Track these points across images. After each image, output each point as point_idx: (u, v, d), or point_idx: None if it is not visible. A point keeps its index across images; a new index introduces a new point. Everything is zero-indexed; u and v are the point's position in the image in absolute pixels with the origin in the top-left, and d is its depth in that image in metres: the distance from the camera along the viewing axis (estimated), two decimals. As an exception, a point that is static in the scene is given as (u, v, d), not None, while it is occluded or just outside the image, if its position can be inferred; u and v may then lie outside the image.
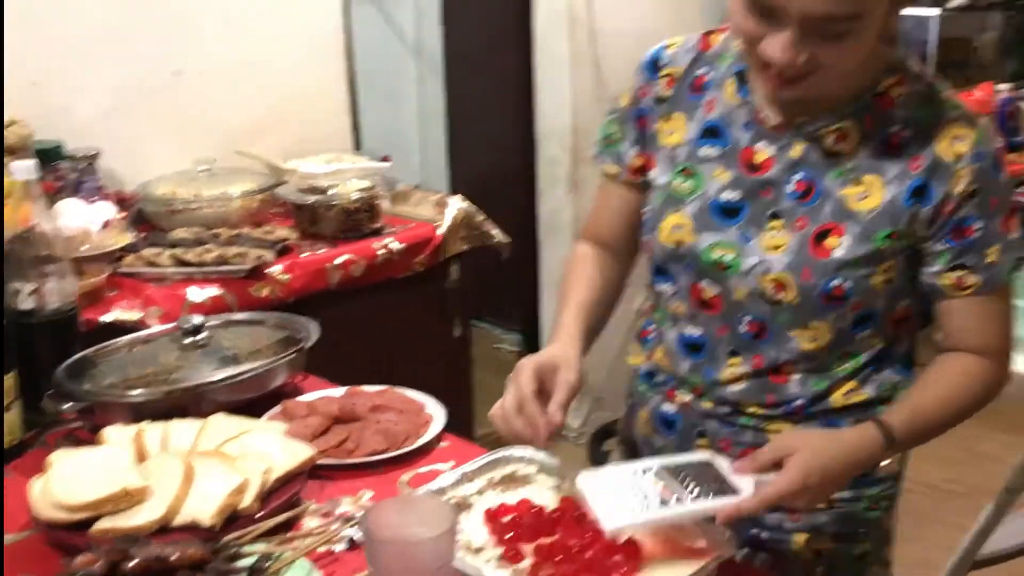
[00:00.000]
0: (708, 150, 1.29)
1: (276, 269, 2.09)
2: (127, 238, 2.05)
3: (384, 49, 4.16)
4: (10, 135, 2.03)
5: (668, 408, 1.38)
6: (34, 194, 1.52)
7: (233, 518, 1.19)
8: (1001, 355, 1.25)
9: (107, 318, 1.87)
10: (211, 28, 2.53)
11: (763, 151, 1.25)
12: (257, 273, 2.06)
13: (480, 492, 1.25)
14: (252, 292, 2.05)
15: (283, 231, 2.20)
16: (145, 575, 1.01)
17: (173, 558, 1.02)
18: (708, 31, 1.34)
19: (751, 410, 1.31)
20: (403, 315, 2.33)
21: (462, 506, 1.22)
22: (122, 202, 2.20)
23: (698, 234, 1.27)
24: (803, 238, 1.22)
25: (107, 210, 2.05)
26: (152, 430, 1.36)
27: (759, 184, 1.26)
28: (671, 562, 1.10)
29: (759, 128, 1.26)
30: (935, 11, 3.61)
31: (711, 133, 1.29)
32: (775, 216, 1.25)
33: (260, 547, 1.14)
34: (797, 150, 1.24)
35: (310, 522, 1.25)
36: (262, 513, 1.21)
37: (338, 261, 2.19)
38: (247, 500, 1.20)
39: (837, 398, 1.29)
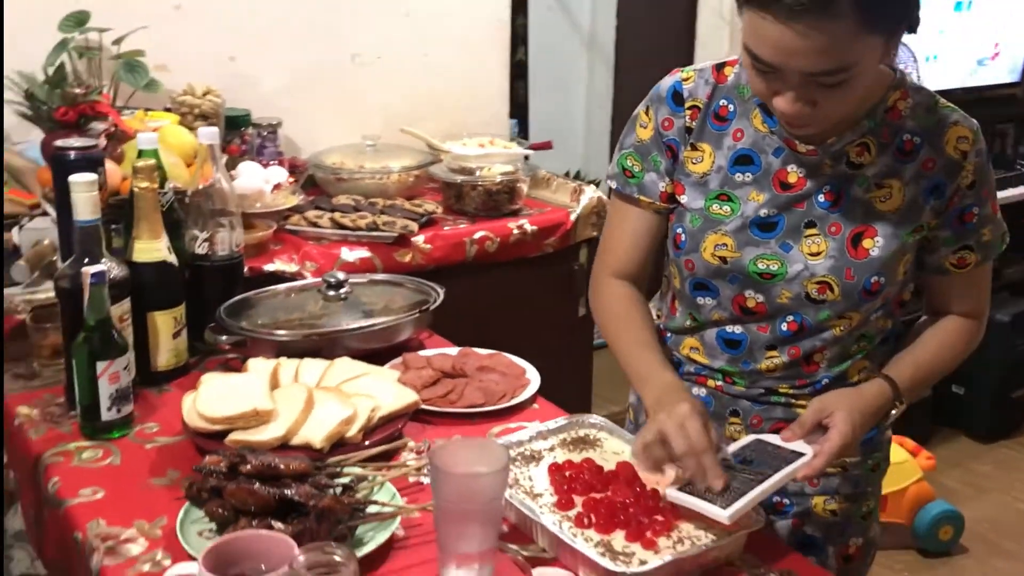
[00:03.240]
0: (742, 176, 1.39)
1: (420, 239, 2.30)
2: (294, 200, 2.30)
3: (559, 40, 4.31)
4: (205, 103, 2.32)
5: (699, 392, 1.48)
6: (215, 156, 1.76)
7: (340, 444, 1.40)
8: (982, 316, 1.46)
9: (269, 267, 2.11)
10: (390, 16, 2.76)
11: (795, 172, 1.37)
12: (402, 240, 2.27)
13: (552, 448, 1.42)
14: (396, 257, 2.26)
15: (430, 205, 2.41)
16: (258, 478, 1.21)
17: (281, 466, 1.23)
18: (719, 64, 1.43)
19: (783, 390, 1.44)
20: (531, 291, 2.48)
21: (534, 458, 1.39)
22: (294, 168, 2.45)
23: (741, 249, 1.37)
24: (841, 242, 1.34)
25: (279, 174, 2.30)
26: (288, 365, 1.58)
27: (792, 199, 1.37)
28: (704, 528, 1.23)
29: (789, 153, 1.36)
30: None
31: (743, 161, 1.39)
32: (810, 224, 1.36)
33: (357, 470, 1.32)
34: (825, 167, 1.36)
35: (407, 456, 1.44)
36: (367, 443, 1.41)
37: (476, 236, 2.38)
38: (353, 431, 1.41)
39: (854, 376, 1.43)
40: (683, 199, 1.43)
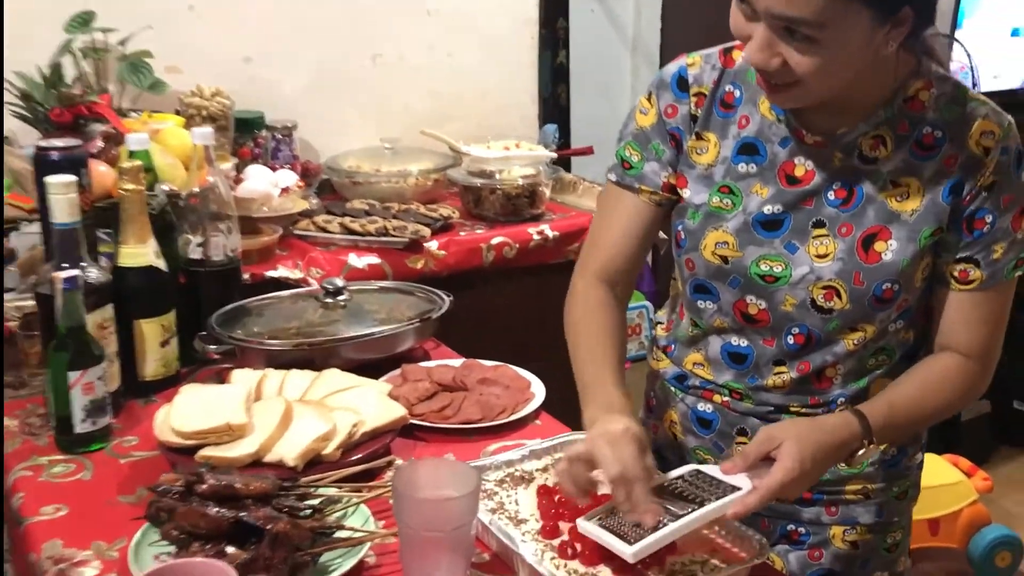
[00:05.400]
0: (746, 167, 1.28)
1: (433, 244, 2.20)
2: (303, 204, 2.23)
3: (601, 43, 4.21)
4: (213, 105, 2.26)
5: (705, 408, 1.38)
6: (210, 157, 1.69)
7: (317, 461, 1.31)
8: (987, 359, 1.27)
9: (272, 273, 2.04)
10: (412, 16, 2.68)
11: (802, 165, 1.25)
12: (415, 246, 2.18)
13: (544, 469, 1.31)
14: (408, 263, 2.17)
15: (447, 210, 2.31)
16: (214, 498, 1.13)
17: (238, 486, 1.13)
18: (726, 47, 1.32)
19: (794, 408, 1.31)
20: (548, 301, 2.33)
21: (524, 479, 1.29)
22: (306, 171, 2.39)
23: (743, 249, 1.27)
24: (851, 244, 1.23)
25: (288, 177, 2.24)
26: (273, 377, 1.50)
27: (800, 196, 1.25)
28: (701, 561, 1.13)
29: (797, 143, 1.25)
30: None
31: (748, 150, 1.28)
32: (818, 224, 1.24)
33: (332, 491, 1.24)
34: (836, 160, 1.24)
35: (391, 475, 1.33)
36: (347, 461, 1.32)
37: (494, 242, 2.28)
38: (330, 448, 1.32)
39: (874, 394, 1.28)
40: (685, 193, 1.33)
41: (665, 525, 1.09)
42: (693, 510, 1.11)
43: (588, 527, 1.12)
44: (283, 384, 1.49)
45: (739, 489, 1.13)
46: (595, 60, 4.13)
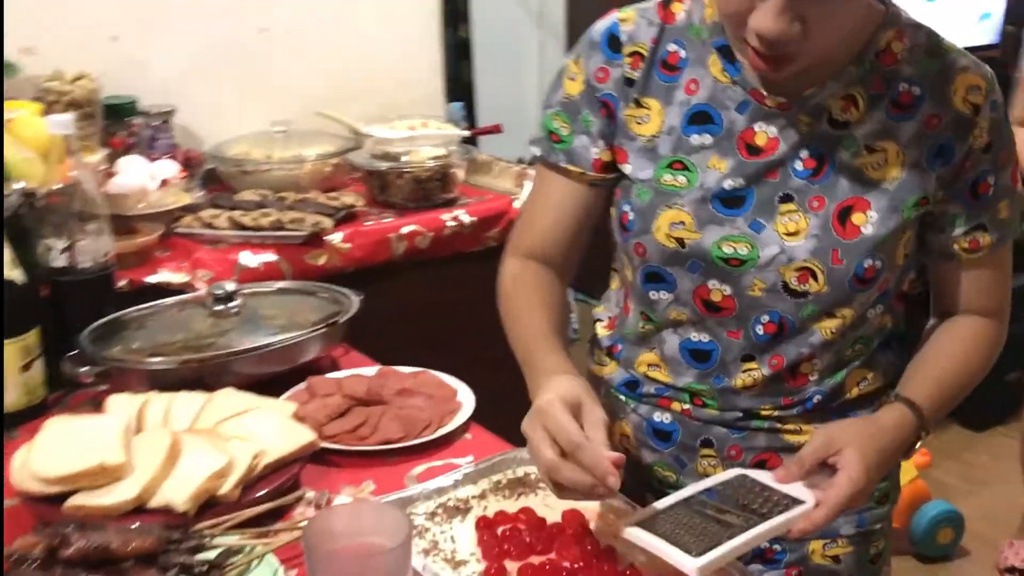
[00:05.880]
0: (700, 138, 1.13)
1: (336, 237, 2.00)
2: (187, 198, 2.00)
3: (505, 17, 4.06)
4: (77, 89, 2.01)
5: (662, 418, 1.23)
6: (72, 149, 1.47)
7: (212, 504, 1.11)
8: (1003, 314, 1.20)
9: (153, 279, 1.82)
10: (302, -16, 2.45)
11: (764, 132, 1.11)
12: (315, 240, 1.97)
13: (482, 496, 1.14)
14: (308, 260, 1.96)
15: (350, 198, 2.10)
16: (85, 564, 0.92)
17: (114, 546, 0.93)
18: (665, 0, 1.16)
19: (765, 412, 1.19)
20: (469, 293, 2.14)
21: (460, 509, 1.11)
22: (188, 161, 2.15)
23: (701, 229, 1.12)
24: (824, 219, 1.10)
25: (168, 168, 2.01)
26: (157, 402, 1.30)
27: (763, 167, 1.11)
28: None
29: (757, 107, 1.10)
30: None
31: (700, 119, 1.13)
32: (786, 199, 1.11)
33: (232, 539, 1.04)
34: (802, 125, 1.10)
35: (302, 513, 1.15)
36: (248, 501, 1.12)
37: (404, 231, 2.08)
38: (227, 486, 1.12)
39: (852, 389, 1.19)
40: (627, 168, 1.17)
41: (730, 538, 0.95)
42: (757, 522, 0.97)
43: (639, 535, 0.97)
44: (169, 410, 1.28)
45: (799, 501, 1.01)
46: (499, 35, 3.99)
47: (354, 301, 1.56)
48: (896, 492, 1.28)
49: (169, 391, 1.32)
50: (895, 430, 1.09)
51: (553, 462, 0.96)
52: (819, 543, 1.21)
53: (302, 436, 1.22)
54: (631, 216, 1.16)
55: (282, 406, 1.31)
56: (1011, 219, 1.15)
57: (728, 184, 1.11)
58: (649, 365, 1.23)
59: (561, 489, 0.98)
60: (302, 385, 1.42)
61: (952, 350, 1.17)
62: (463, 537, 1.06)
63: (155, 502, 1.10)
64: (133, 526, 1.00)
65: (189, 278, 1.83)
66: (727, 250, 1.12)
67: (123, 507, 1.09)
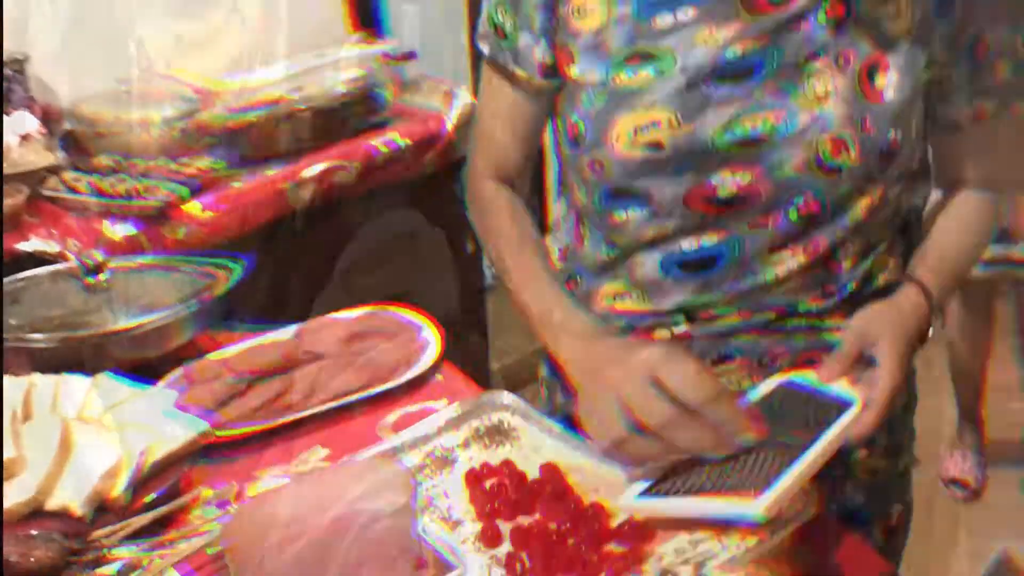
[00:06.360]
0: (671, 17, 1.00)
1: (196, 206, 1.92)
2: (50, 157, 1.92)
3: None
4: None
5: None
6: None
7: (102, 508, 1.03)
8: (1004, 188, 1.15)
9: (25, 246, 1.75)
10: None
11: None
12: (168, 212, 1.88)
13: (466, 444, 1.09)
14: (166, 233, 1.88)
15: (204, 162, 2.01)
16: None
17: (14, 559, 0.89)
18: None
19: (806, 307, 1.10)
20: (402, 230, 2.04)
21: (448, 460, 1.07)
22: (48, 116, 2.05)
23: (693, 119, 1.00)
24: (852, 79, 0.99)
25: (26, 122, 1.91)
26: (44, 385, 1.22)
27: (784, 20, 0.99)
28: (694, 542, 0.90)
29: None
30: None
31: None
32: (813, 56, 0.99)
33: (131, 550, 0.98)
34: None
35: (200, 515, 1.06)
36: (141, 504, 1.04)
37: (314, 171, 1.95)
38: (118, 488, 1.03)
39: (879, 276, 1.12)
40: (574, 71, 1.05)
41: (787, 465, 0.83)
42: (810, 440, 0.87)
43: (661, 504, 0.87)
44: (56, 395, 1.21)
45: (847, 404, 0.94)
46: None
47: (232, 270, 1.45)
48: (915, 401, 1.23)
49: (53, 374, 1.24)
50: (914, 316, 1.03)
51: (674, 417, 0.88)
52: (863, 452, 1.15)
53: (192, 427, 1.14)
54: (581, 128, 1.05)
55: (162, 394, 1.25)
56: (1014, 80, 1.05)
57: (731, 53, 0.99)
58: (616, 295, 1.13)
59: (639, 455, 0.91)
60: (177, 372, 1.30)
61: (957, 228, 1.12)
62: (455, 492, 1.01)
63: (52, 503, 1.01)
64: (33, 533, 0.95)
65: (60, 247, 1.76)
66: (741, 129, 1.00)
67: (20, 511, 1.00)
